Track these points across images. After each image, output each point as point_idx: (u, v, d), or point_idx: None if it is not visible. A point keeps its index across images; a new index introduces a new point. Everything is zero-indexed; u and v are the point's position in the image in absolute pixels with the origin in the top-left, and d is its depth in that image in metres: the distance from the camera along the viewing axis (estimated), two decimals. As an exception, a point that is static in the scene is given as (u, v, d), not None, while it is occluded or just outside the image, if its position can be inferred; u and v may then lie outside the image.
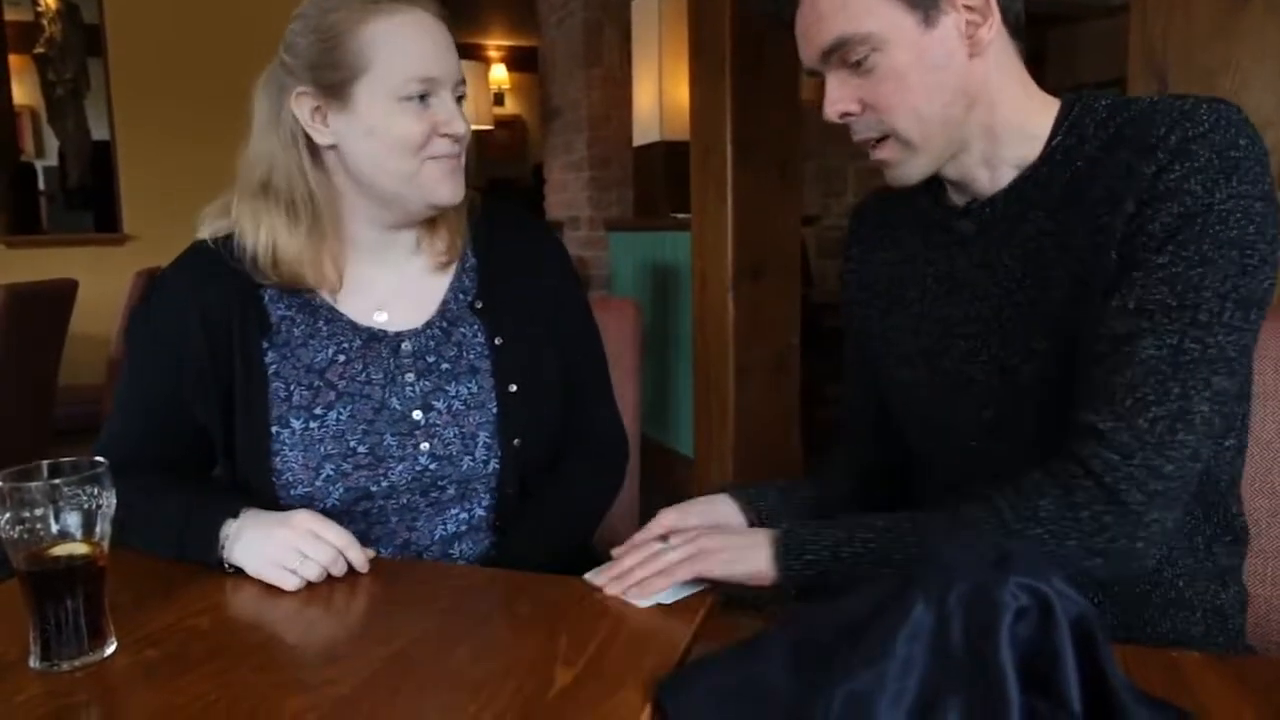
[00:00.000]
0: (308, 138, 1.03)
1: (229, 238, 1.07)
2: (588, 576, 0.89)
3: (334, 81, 1.00)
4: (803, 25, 0.89)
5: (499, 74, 8.39)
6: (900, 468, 1.08)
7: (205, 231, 1.09)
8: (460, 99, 1.05)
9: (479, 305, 1.12)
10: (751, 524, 1.00)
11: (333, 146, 1.04)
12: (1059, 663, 0.57)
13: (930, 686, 0.57)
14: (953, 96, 0.86)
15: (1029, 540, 0.77)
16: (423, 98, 1.01)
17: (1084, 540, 0.76)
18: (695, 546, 0.86)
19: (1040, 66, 3.95)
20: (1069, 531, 0.76)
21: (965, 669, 0.57)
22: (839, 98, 0.88)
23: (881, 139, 0.89)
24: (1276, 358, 0.99)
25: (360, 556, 0.94)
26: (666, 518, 0.95)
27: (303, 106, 1.02)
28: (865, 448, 1.12)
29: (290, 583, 0.90)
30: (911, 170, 0.90)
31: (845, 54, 0.85)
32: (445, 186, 1.04)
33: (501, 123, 7.73)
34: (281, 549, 0.92)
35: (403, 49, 0.99)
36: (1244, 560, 0.93)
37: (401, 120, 1.00)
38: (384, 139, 1.01)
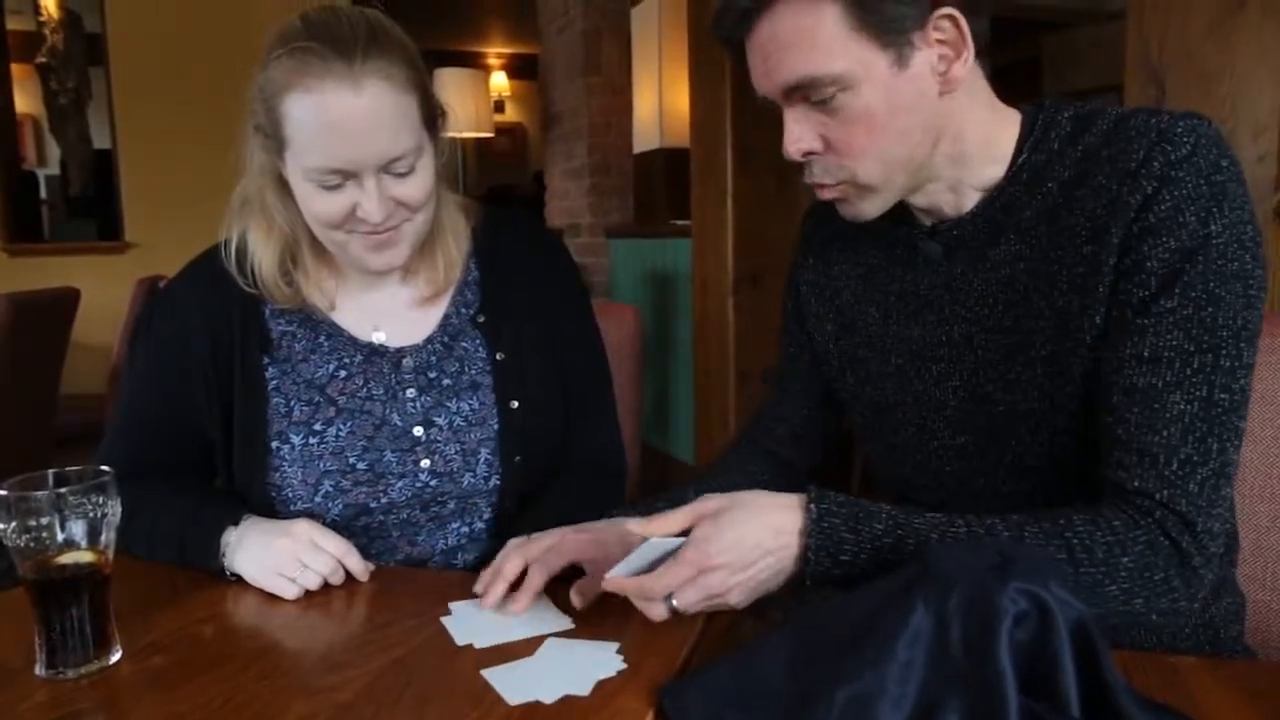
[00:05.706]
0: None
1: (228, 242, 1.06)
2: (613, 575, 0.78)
3: (272, 140, 0.96)
4: (760, 54, 0.82)
5: (499, 81, 8.43)
6: (812, 467, 1.08)
7: (224, 230, 1.06)
8: (404, 173, 0.95)
9: (481, 319, 1.11)
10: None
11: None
12: (1058, 667, 0.57)
13: (930, 690, 0.58)
14: (921, 137, 0.82)
15: (1097, 593, 0.72)
16: (336, 185, 0.94)
17: (1150, 600, 0.74)
18: (707, 591, 0.75)
19: (1036, 73, 3.94)
20: (1139, 591, 0.73)
21: (964, 673, 0.57)
22: (800, 135, 0.83)
23: (837, 181, 0.85)
24: (1276, 362, 0.99)
25: (360, 565, 0.94)
26: (515, 560, 0.88)
27: (255, 140, 0.99)
28: (784, 448, 1.09)
29: (289, 591, 0.91)
30: (868, 208, 0.86)
31: (809, 93, 0.80)
32: (376, 258, 0.99)
33: (502, 130, 7.76)
34: (281, 558, 0.92)
35: (315, 134, 0.91)
36: (1235, 568, 0.93)
37: (317, 199, 0.95)
38: (306, 210, 0.98)
